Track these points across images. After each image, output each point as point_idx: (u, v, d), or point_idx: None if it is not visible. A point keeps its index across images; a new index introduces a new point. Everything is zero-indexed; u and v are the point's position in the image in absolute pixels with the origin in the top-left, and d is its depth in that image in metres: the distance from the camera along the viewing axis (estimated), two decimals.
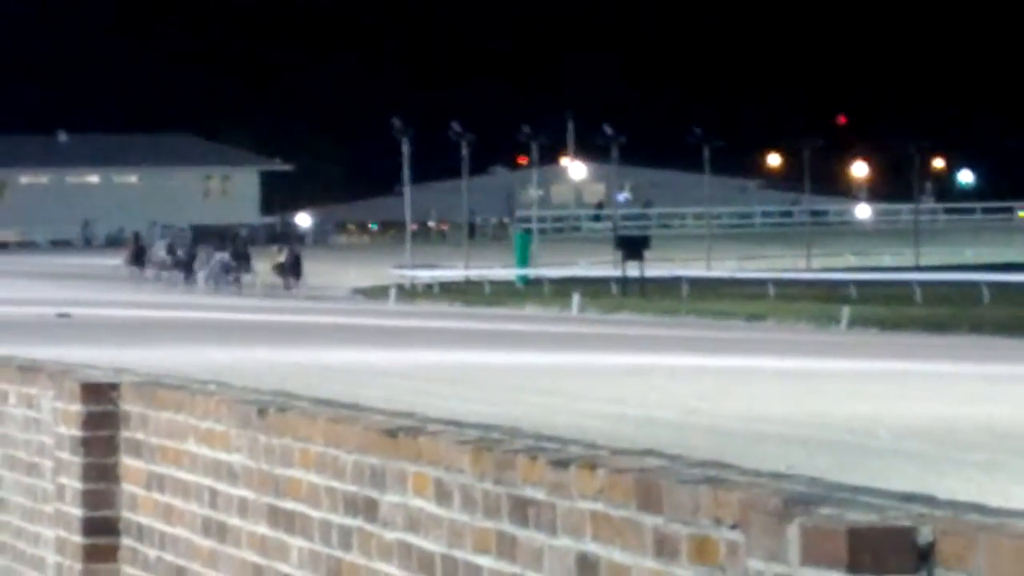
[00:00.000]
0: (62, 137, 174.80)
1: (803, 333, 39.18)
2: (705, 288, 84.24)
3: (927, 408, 14.07)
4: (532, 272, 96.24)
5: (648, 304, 70.82)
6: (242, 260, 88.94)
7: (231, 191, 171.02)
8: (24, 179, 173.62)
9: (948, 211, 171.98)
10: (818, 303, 64.54)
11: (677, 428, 9.65)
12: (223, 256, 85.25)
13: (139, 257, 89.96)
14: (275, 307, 64.19)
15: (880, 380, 17.27)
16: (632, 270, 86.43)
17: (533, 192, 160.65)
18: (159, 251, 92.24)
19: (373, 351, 21.22)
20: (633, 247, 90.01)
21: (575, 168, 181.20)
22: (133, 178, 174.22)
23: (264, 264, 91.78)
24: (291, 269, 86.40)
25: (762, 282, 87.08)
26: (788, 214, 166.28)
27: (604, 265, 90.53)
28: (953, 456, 8.66)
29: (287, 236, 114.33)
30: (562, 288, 76.43)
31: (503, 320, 40.03)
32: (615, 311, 63.14)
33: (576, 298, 66.17)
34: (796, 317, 53.12)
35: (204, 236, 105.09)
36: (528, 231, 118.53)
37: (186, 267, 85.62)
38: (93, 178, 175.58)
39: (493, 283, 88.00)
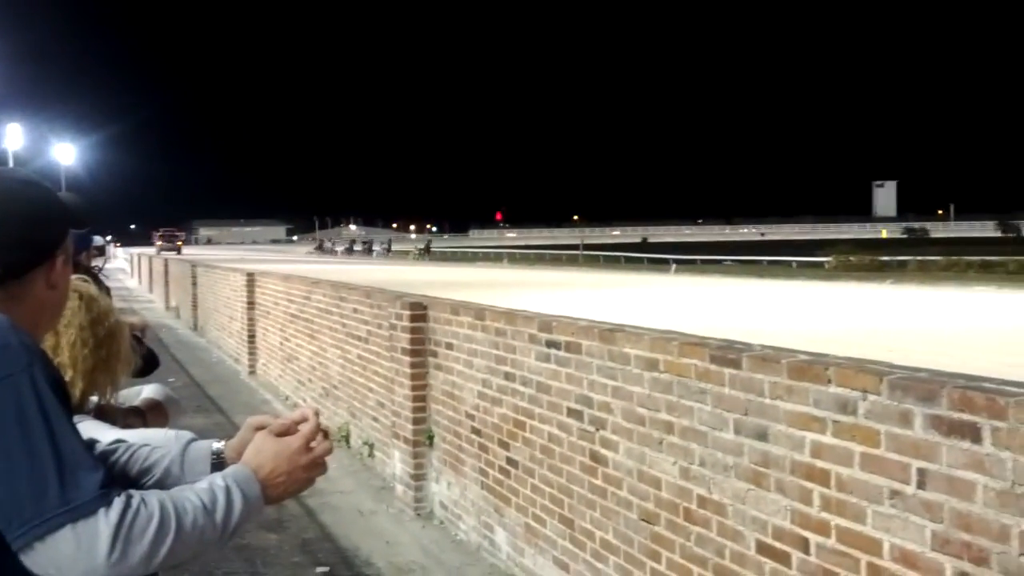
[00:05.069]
0: (260, 222, 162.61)
1: (420, 263, 36.43)
2: (396, 252, 78.58)
3: (449, 275, 12.74)
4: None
5: (392, 259, 64.23)
6: (390, 246, 53.71)
7: (277, 233, 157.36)
8: (247, 229, 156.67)
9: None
10: (438, 261, 59.56)
11: (391, 284, 8.71)
12: (384, 244, 52.76)
13: (321, 247, 58.19)
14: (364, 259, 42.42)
15: (433, 272, 15.73)
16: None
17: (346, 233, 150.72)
18: (338, 246, 56.16)
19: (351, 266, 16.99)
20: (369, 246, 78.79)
21: (355, 225, 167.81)
22: (277, 230, 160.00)
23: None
24: (427, 251, 50.91)
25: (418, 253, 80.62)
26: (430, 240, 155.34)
27: None
28: (448, 286, 7.85)
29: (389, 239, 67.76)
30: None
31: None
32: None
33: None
34: (429, 261, 47.98)
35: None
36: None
37: (349, 250, 51.35)
38: (266, 228, 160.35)
39: None
